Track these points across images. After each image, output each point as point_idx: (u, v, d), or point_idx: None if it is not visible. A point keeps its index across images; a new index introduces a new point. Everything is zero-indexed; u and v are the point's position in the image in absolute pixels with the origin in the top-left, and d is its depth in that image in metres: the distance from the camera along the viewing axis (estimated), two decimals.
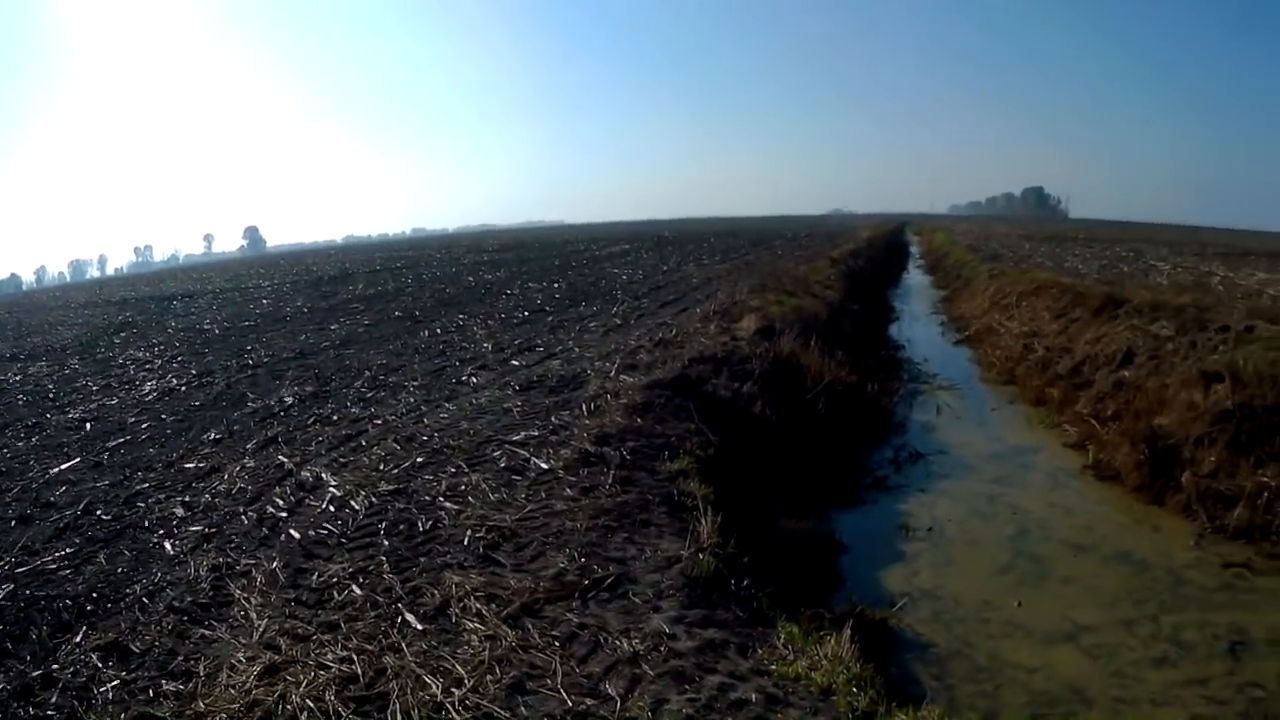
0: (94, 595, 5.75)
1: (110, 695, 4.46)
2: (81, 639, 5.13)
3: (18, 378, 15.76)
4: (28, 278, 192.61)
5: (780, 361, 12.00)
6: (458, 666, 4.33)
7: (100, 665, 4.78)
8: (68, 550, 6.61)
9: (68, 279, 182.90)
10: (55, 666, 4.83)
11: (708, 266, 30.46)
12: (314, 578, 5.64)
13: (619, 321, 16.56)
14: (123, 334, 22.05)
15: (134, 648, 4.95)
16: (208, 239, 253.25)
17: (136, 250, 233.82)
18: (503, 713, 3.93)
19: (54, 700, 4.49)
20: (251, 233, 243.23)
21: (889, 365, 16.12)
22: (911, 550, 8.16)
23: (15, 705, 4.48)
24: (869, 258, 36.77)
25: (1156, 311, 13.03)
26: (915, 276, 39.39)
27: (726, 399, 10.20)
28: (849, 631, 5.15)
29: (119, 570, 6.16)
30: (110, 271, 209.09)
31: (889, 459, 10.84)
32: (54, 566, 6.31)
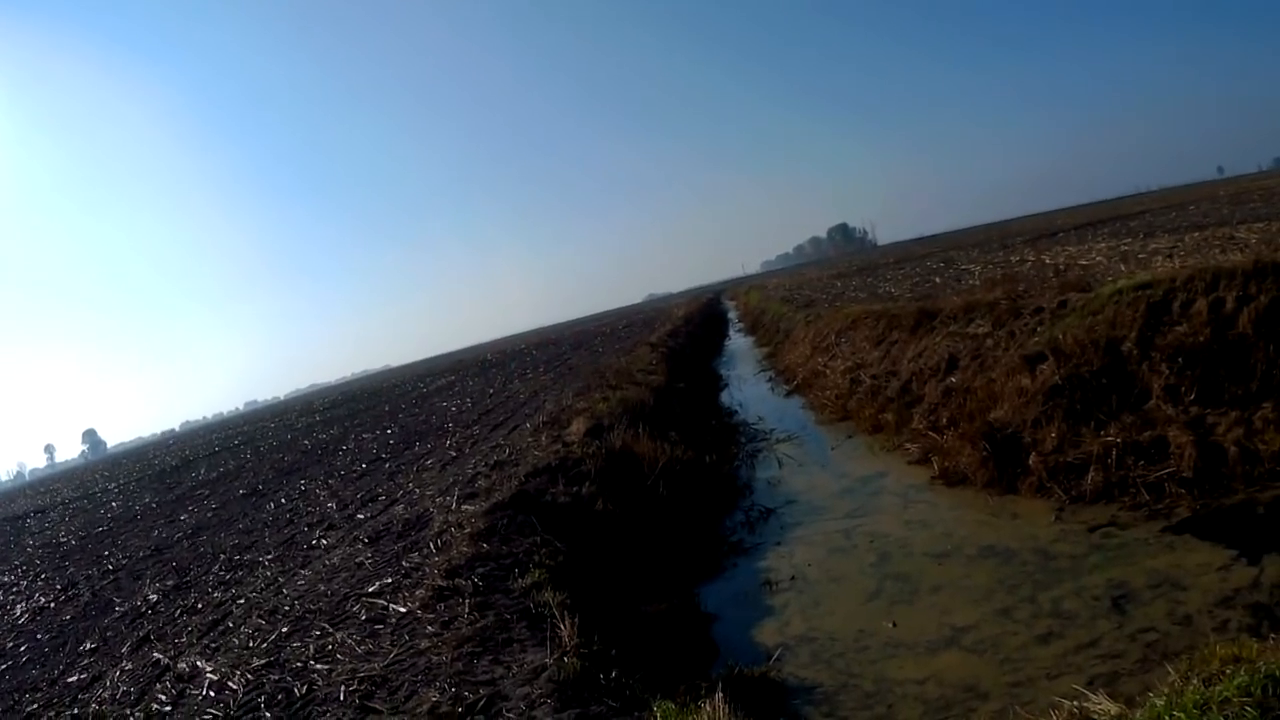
0: None
1: None
2: None
3: None
4: None
5: (614, 456, 12.39)
6: None
7: None
8: None
9: None
10: None
11: (532, 380, 32.38)
12: None
13: (454, 454, 17.20)
14: None
15: None
16: (49, 450, 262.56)
17: None
18: None
19: None
20: (90, 436, 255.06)
21: (724, 432, 16.65)
22: (779, 602, 8.31)
23: None
24: (688, 334, 38.42)
25: (970, 313, 13.97)
26: (737, 340, 41.45)
27: (567, 504, 10.52)
28: (720, 695, 5.39)
29: None
30: None
31: (740, 522, 11.10)
32: None
